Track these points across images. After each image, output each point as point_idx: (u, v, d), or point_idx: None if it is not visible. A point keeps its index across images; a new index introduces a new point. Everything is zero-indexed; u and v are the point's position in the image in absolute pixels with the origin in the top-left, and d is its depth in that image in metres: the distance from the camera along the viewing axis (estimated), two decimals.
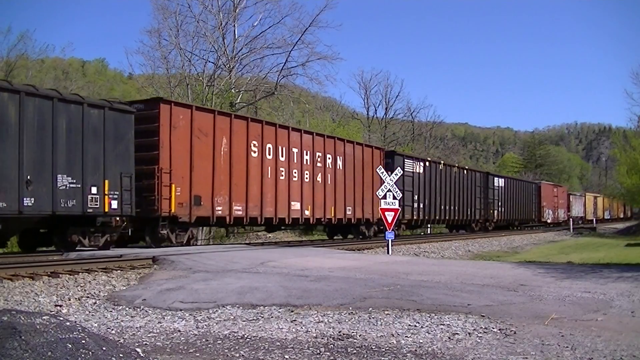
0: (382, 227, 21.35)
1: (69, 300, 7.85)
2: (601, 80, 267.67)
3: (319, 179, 18.99)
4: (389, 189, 16.56)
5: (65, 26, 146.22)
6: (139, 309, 7.17)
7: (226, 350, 5.09)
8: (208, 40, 28.67)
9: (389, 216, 16.12)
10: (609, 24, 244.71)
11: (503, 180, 36.28)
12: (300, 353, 4.97)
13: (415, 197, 24.50)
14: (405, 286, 8.52)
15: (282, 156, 17.39)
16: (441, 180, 27.28)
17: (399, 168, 18.31)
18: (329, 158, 19.66)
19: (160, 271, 10.41)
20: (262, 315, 6.69)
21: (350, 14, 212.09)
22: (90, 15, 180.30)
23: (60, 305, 7.47)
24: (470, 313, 6.61)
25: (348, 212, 20.36)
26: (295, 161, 17.94)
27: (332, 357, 4.85)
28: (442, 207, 27.32)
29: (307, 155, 18.55)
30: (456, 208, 28.77)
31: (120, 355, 3.91)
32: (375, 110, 51.08)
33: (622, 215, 75.28)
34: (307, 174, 18.44)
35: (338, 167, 20.01)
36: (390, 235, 15.97)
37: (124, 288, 8.84)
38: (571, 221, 46.59)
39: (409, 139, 50.12)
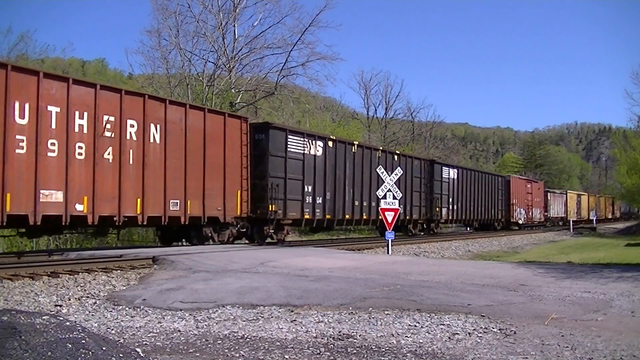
0: (244, 230, 17.16)
1: (69, 300, 7.85)
2: (601, 80, 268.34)
3: (108, 156, 12.74)
4: (389, 188, 16.58)
5: (65, 26, 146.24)
6: (139, 309, 7.17)
7: (226, 350, 5.09)
8: (208, 40, 28.70)
9: (389, 216, 16.13)
10: (609, 23, 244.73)
11: (456, 171, 29.44)
12: (300, 353, 4.97)
13: (309, 189, 18.33)
14: (405, 286, 8.52)
15: (23, 117, 11.19)
16: (356, 168, 20.70)
17: (399, 168, 18.24)
18: (133, 126, 13.34)
19: (160, 271, 10.42)
20: (262, 315, 6.69)
21: (350, 14, 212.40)
22: (90, 15, 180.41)
23: (60, 305, 7.47)
24: (470, 313, 6.61)
25: (173, 208, 14.20)
26: (53, 126, 11.69)
27: (332, 357, 4.85)
28: (358, 204, 20.76)
29: (82, 118, 12.23)
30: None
31: (120, 355, 3.91)
32: (375, 110, 51.17)
33: (610, 216, 67.90)
34: (80, 147, 12.19)
35: (151, 140, 13.74)
36: (390, 235, 15.99)
37: (124, 288, 8.84)
38: (571, 221, 46.21)
39: (409, 139, 50.16)
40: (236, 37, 29.39)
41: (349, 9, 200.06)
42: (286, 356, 4.88)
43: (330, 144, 19.52)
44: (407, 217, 24.43)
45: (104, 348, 3.91)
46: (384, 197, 16.51)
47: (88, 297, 8.08)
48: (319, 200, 18.89)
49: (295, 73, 30.61)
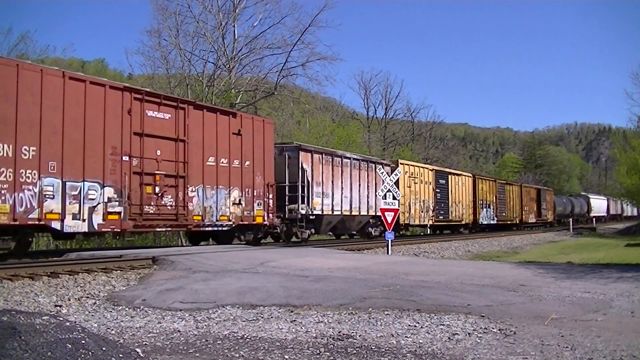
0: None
1: (69, 300, 7.85)
2: (601, 80, 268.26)
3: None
4: (389, 189, 16.58)
5: (66, 26, 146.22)
6: (138, 309, 7.17)
7: (226, 351, 5.09)
8: (208, 40, 28.67)
9: (389, 216, 16.13)
10: (609, 23, 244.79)
11: None
12: (300, 353, 4.97)
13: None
14: (405, 286, 8.52)
15: None
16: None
17: (398, 169, 18.21)
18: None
19: (160, 271, 10.41)
20: (262, 316, 6.69)
21: (350, 15, 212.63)
22: (90, 15, 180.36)
23: (60, 306, 7.47)
24: (470, 313, 6.61)
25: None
26: None
27: (332, 357, 4.85)
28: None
29: None
30: None
31: (120, 355, 3.91)
32: (375, 110, 51.20)
33: (532, 220, 40.59)
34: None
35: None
36: (390, 235, 15.98)
37: (124, 288, 8.83)
38: (571, 221, 45.62)
39: (408, 139, 50.17)
40: (236, 37, 29.38)
41: (349, 9, 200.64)
42: (286, 356, 4.88)
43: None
44: None
45: (103, 348, 3.91)
46: (384, 197, 16.52)
47: (88, 297, 8.08)
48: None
49: (295, 73, 30.59)
